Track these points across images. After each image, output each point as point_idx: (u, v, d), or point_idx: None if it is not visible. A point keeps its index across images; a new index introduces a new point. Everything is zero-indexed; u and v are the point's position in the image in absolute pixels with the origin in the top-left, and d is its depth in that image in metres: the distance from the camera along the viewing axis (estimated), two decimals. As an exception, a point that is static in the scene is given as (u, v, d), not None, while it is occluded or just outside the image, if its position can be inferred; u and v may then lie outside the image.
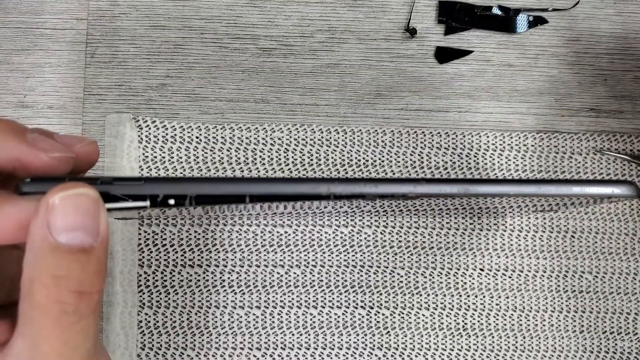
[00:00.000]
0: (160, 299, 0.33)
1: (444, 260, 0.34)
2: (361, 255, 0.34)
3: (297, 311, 0.34)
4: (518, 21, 0.36)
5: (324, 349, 0.34)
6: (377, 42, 0.36)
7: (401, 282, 0.34)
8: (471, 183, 0.20)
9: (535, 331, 0.34)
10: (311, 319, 0.34)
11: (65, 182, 0.17)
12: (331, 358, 0.34)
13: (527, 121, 0.36)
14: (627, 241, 0.35)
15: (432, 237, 0.34)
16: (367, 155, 0.35)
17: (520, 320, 0.34)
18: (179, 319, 0.33)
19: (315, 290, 0.34)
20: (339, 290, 0.34)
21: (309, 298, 0.34)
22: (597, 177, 0.35)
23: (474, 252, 0.35)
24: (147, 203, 0.19)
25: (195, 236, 0.34)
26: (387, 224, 0.34)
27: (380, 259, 0.34)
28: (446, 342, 0.34)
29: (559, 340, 0.34)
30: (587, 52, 0.36)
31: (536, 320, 0.34)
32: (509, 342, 0.34)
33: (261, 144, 0.34)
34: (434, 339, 0.34)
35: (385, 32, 0.36)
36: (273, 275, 0.34)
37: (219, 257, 0.34)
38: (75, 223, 0.17)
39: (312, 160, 0.34)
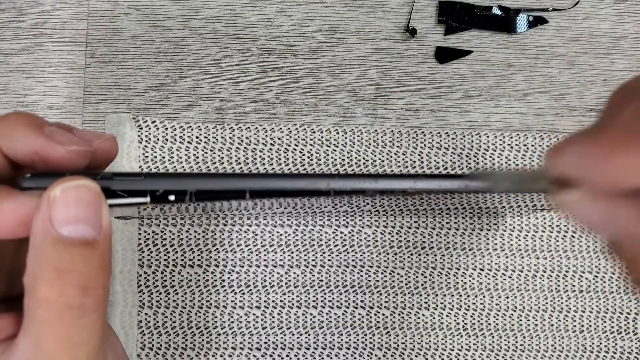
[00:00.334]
0: (160, 299, 0.33)
1: (444, 260, 0.34)
2: (361, 255, 0.34)
3: (297, 311, 0.34)
4: (518, 21, 0.36)
5: (324, 349, 0.34)
6: (377, 42, 0.36)
7: (401, 282, 0.34)
8: (470, 179, 0.20)
9: (535, 331, 0.34)
10: (311, 319, 0.34)
11: (66, 176, 0.17)
12: (331, 358, 0.33)
13: (527, 121, 0.36)
14: (627, 241, 0.35)
15: (432, 237, 0.34)
16: (367, 155, 0.35)
17: (520, 320, 0.34)
18: (179, 319, 0.33)
19: (315, 290, 0.34)
20: (339, 290, 0.34)
21: (309, 298, 0.34)
22: None
23: (474, 252, 0.35)
24: (147, 199, 0.19)
25: (195, 236, 0.34)
26: (387, 224, 0.34)
27: (380, 259, 0.34)
28: (446, 342, 0.34)
29: (559, 340, 0.34)
30: (587, 52, 0.36)
31: (536, 320, 0.34)
32: (509, 342, 0.34)
33: (261, 144, 0.34)
34: (434, 339, 0.34)
35: (385, 32, 0.36)
36: (273, 275, 0.34)
37: (219, 257, 0.34)
38: (78, 215, 0.17)
39: (312, 160, 0.34)
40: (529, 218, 0.35)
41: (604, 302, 0.35)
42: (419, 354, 0.34)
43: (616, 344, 0.35)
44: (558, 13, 0.36)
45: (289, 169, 0.34)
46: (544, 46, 0.36)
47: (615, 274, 0.35)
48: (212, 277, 0.33)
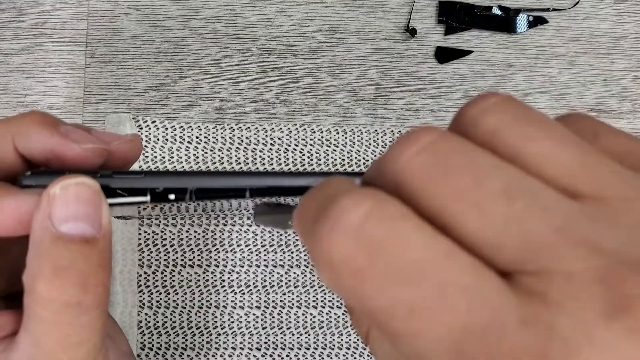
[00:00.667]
0: (160, 299, 0.33)
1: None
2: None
3: (297, 311, 0.34)
4: (518, 21, 0.36)
5: (324, 349, 0.34)
6: (377, 42, 0.36)
7: (401, 282, 0.34)
8: None
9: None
10: (311, 319, 0.34)
11: (65, 175, 0.17)
12: (331, 358, 0.33)
13: (527, 121, 0.36)
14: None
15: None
16: (367, 155, 0.35)
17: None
18: (179, 319, 0.33)
19: (315, 290, 0.34)
20: (339, 290, 0.34)
21: (309, 298, 0.34)
22: None
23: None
24: (148, 198, 0.19)
25: (195, 236, 0.34)
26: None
27: (380, 259, 0.34)
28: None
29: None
30: (587, 52, 0.36)
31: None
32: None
33: (261, 144, 0.34)
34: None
35: (385, 32, 0.36)
36: (273, 275, 0.34)
37: (219, 257, 0.34)
38: (77, 212, 0.17)
39: (312, 160, 0.34)
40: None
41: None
42: (419, 354, 0.34)
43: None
44: (558, 13, 0.36)
45: (289, 168, 0.34)
46: (544, 46, 0.36)
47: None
48: (212, 277, 0.33)
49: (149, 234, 0.33)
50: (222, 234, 0.34)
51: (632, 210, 0.11)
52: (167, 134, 0.34)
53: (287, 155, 0.34)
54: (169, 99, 0.35)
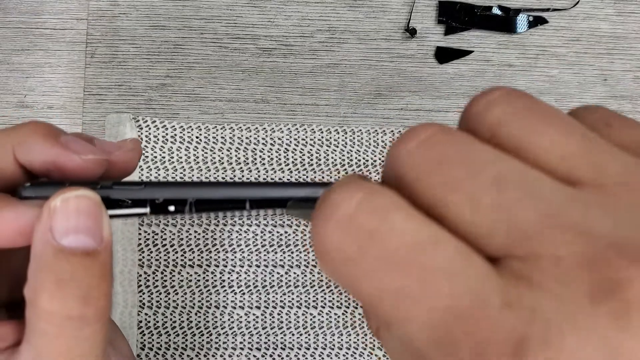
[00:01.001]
0: (160, 299, 0.33)
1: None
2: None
3: (297, 311, 0.34)
4: (518, 21, 0.36)
5: (324, 349, 0.34)
6: (377, 42, 0.36)
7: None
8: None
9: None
10: (311, 319, 0.34)
11: (65, 187, 0.17)
12: (331, 358, 0.33)
13: (527, 121, 0.36)
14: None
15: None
16: (367, 155, 0.35)
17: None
18: (179, 319, 0.33)
19: (315, 290, 0.34)
20: (339, 290, 0.34)
21: (309, 298, 0.34)
22: None
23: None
24: (147, 209, 0.19)
25: (195, 236, 0.34)
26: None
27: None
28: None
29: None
30: (587, 52, 0.36)
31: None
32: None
33: (261, 144, 0.34)
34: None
35: (385, 32, 0.36)
36: (273, 275, 0.34)
37: (219, 257, 0.34)
38: (78, 225, 0.17)
39: (312, 160, 0.34)
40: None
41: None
42: (419, 354, 0.34)
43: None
44: (558, 13, 0.36)
45: (289, 169, 0.34)
46: (544, 46, 0.36)
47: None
48: (212, 277, 0.33)
49: (149, 234, 0.33)
50: (222, 234, 0.34)
51: (629, 195, 0.11)
52: (167, 134, 0.34)
53: (287, 155, 0.34)
54: (169, 99, 0.35)
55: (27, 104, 0.34)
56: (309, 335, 0.34)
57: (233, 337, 0.33)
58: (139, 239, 0.33)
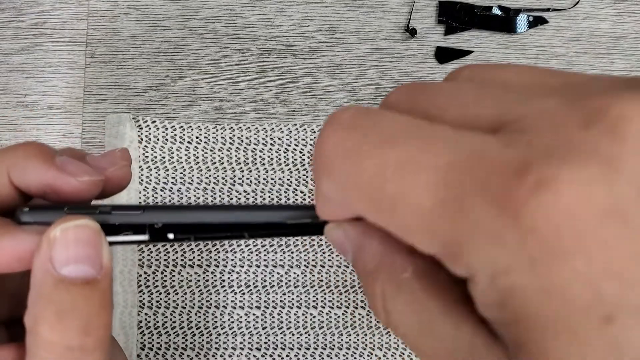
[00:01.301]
0: (160, 299, 0.33)
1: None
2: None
3: (297, 311, 0.34)
4: (518, 21, 0.36)
5: (324, 349, 0.34)
6: (377, 42, 0.36)
7: (401, 282, 0.34)
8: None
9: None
10: (311, 319, 0.34)
11: (64, 210, 0.17)
12: (331, 358, 0.33)
13: (527, 121, 0.36)
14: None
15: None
16: (367, 155, 0.35)
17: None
18: (179, 319, 0.33)
19: (315, 290, 0.34)
20: (339, 290, 0.34)
21: (309, 298, 0.34)
22: None
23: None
24: (147, 237, 0.18)
25: (195, 236, 0.34)
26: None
27: (380, 259, 0.34)
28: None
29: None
30: (587, 52, 0.36)
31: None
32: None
33: (261, 144, 0.34)
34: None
35: (385, 32, 0.36)
36: (273, 275, 0.34)
37: (219, 257, 0.34)
38: (78, 255, 0.17)
39: (312, 160, 0.34)
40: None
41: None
42: (419, 354, 0.34)
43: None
44: (558, 13, 0.36)
45: (289, 169, 0.34)
46: (544, 46, 0.36)
47: None
48: (212, 277, 0.33)
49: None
50: (222, 234, 0.34)
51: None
52: (167, 134, 0.34)
53: (287, 155, 0.34)
54: (169, 99, 0.35)
55: (27, 104, 0.34)
56: (309, 335, 0.34)
57: (233, 337, 0.33)
58: (139, 239, 0.33)
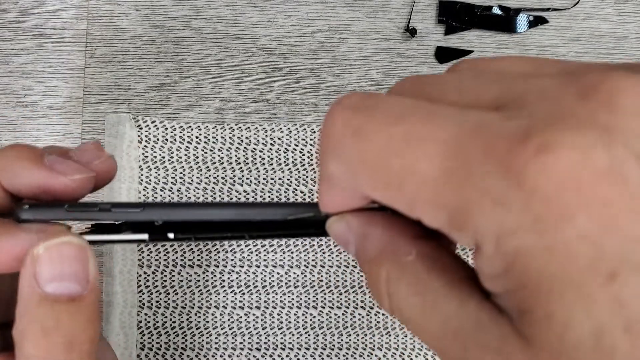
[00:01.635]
0: (160, 299, 0.33)
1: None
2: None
3: (297, 311, 0.34)
4: (518, 21, 0.36)
5: (324, 349, 0.33)
6: (377, 42, 0.36)
7: (401, 282, 0.34)
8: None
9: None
10: (311, 319, 0.34)
11: (64, 208, 0.17)
12: (331, 358, 0.33)
13: (527, 121, 0.36)
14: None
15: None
16: (367, 155, 0.35)
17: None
18: (179, 319, 0.33)
19: (315, 290, 0.34)
20: (339, 290, 0.34)
21: (309, 298, 0.34)
22: None
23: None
24: (146, 236, 0.18)
25: (195, 236, 0.33)
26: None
27: (380, 259, 0.34)
28: (446, 342, 0.34)
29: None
30: (587, 52, 0.36)
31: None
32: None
33: (261, 144, 0.34)
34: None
35: (385, 32, 0.36)
36: (273, 275, 0.34)
37: (219, 257, 0.34)
38: (62, 272, 0.17)
39: (312, 160, 0.34)
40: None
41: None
42: (419, 354, 0.34)
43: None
44: (558, 13, 0.36)
45: (289, 169, 0.34)
46: (544, 46, 0.36)
47: None
48: (212, 277, 0.33)
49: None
50: (222, 234, 0.34)
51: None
52: (167, 134, 0.34)
53: (287, 155, 0.34)
54: (169, 99, 0.35)
55: (26, 104, 0.34)
56: (309, 335, 0.34)
57: (233, 337, 0.33)
58: (139, 239, 0.33)
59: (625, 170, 0.10)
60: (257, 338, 0.33)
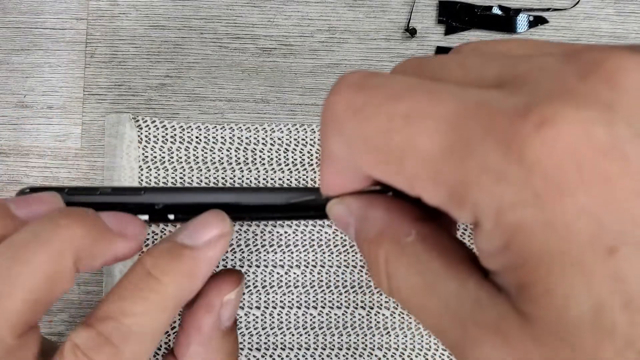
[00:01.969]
0: (160, 299, 0.33)
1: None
2: (361, 255, 0.34)
3: (297, 311, 0.34)
4: (518, 21, 0.36)
5: (324, 349, 0.33)
6: (377, 42, 0.36)
7: (401, 282, 0.34)
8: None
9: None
10: (311, 319, 0.34)
11: (64, 192, 0.18)
12: (331, 358, 0.33)
13: (527, 121, 0.36)
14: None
15: (432, 237, 0.34)
16: (367, 155, 0.35)
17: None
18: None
19: (315, 290, 0.34)
20: (339, 290, 0.34)
21: (309, 298, 0.34)
22: None
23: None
24: (146, 217, 0.18)
25: (195, 236, 0.33)
26: (387, 224, 0.34)
27: (380, 259, 0.34)
28: (446, 342, 0.34)
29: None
30: (587, 52, 0.36)
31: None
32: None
33: (261, 144, 0.34)
34: (434, 339, 0.34)
35: (385, 32, 0.36)
36: (273, 275, 0.34)
37: (218, 257, 0.34)
38: (232, 313, 0.22)
39: (312, 160, 0.34)
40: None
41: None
42: (419, 354, 0.34)
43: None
44: (558, 13, 0.36)
45: (289, 169, 0.34)
46: (544, 46, 0.36)
47: None
48: (212, 277, 0.33)
49: (148, 234, 0.33)
50: (222, 234, 0.34)
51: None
52: (167, 134, 0.34)
53: (287, 155, 0.34)
54: (169, 99, 0.35)
55: (26, 104, 0.34)
56: (309, 335, 0.34)
57: (233, 338, 0.33)
58: (139, 239, 0.33)
59: (626, 149, 0.10)
60: (257, 338, 0.33)
